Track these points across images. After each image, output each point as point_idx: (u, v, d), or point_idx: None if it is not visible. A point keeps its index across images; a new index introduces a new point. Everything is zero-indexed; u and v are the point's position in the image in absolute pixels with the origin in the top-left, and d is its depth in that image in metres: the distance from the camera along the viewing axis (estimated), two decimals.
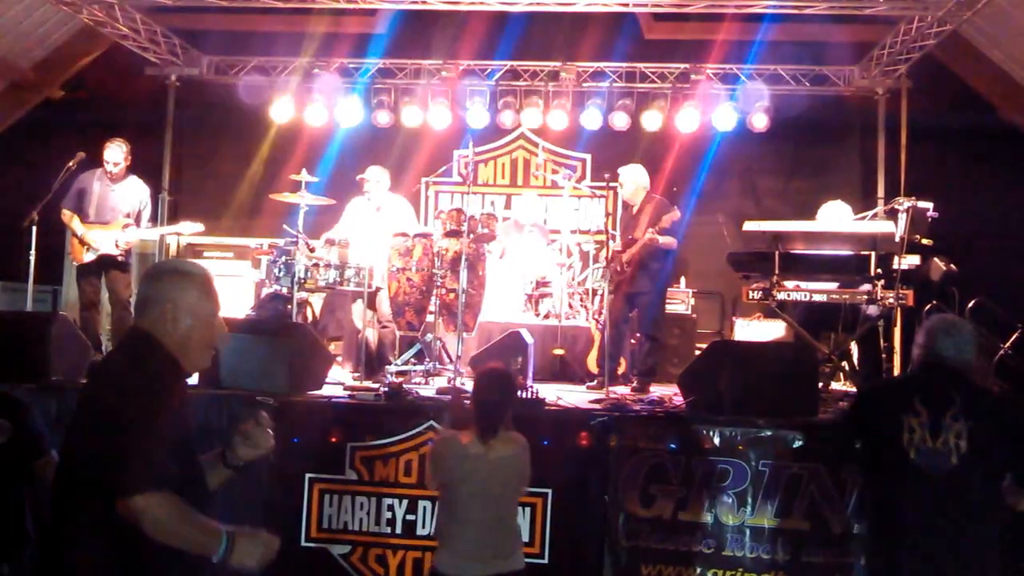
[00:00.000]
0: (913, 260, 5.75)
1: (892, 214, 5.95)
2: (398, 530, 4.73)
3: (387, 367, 6.42)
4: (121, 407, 2.15)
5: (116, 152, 7.01)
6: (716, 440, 4.65)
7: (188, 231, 7.46)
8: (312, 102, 9.36)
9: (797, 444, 4.61)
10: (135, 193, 7.14)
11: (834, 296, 5.62)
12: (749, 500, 4.60)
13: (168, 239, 8.72)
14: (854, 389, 6.03)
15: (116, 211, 7.02)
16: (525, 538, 4.60)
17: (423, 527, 4.72)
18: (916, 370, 3.40)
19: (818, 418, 4.85)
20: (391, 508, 4.72)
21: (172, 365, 2.34)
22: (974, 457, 3.07)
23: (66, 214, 6.93)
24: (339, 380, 6.04)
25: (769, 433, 4.63)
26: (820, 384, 5.34)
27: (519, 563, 3.47)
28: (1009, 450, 3.15)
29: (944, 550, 3.06)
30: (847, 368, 6.17)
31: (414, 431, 4.78)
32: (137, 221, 7.09)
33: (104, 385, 2.31)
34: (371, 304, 6.75)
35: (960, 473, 3.06)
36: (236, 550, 2.17)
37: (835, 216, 6.35)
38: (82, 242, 6.90)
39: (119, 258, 6.97)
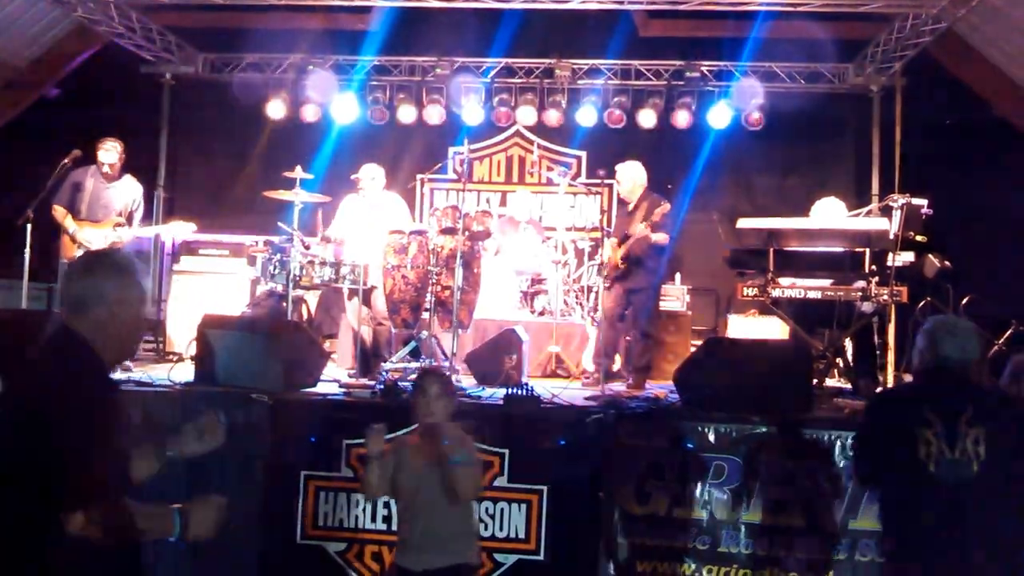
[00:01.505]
0: (907, 257, 5.74)
1: (886, 211, 5.95)
2: (394, 527, 4.71)
3: (382, 364, 6.42)
4: (65, 419, 2.07)
5: (111, 154, 6.98)
6: (711, 437, 4.65)
7: (180, 231, 7.43)
8: (307, 99, 9.36)
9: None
10: (128, 192, 7.12)
11: (828, 293, 5.63)
12: (744, 497, 4.61)
13: (162, 236, 8.70)
14: (847, 385, 6.04)
15: (109, 210, 7.00)
16: (521, 535, 4.63)
17: None
18: (920, 377, 3.26)
19: (813, 414, 4.87)
20: (387, 505, 4.71)
21: (100, 367, 2.26)
22: (994, 461, 2.92)
23: (58, 211, 6.89)
24: (334, 377, 6.04)
25: (764, 429, 4.64)
26: (814, 381, 5.36)
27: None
28: None
29: (978, 555, 2.93)
30: (841, 365, 6.18)
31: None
32: (129, 220, 7.07)
33: (42, 395, 2.15)
34: (366, 301, 6.74)
35: (984, 479, 2.92)
36: (192, 523, 2.24)
37: (829, 213, 6.35)
38: (73, 240, 6.87)
39: None
